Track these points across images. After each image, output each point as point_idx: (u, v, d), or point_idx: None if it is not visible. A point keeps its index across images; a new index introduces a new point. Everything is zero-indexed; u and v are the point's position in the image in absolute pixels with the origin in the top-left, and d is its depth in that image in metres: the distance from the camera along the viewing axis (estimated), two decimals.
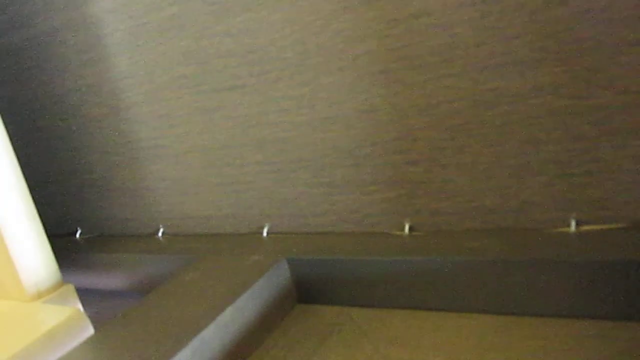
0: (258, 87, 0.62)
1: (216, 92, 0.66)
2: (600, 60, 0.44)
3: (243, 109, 0.64)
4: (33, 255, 0.66)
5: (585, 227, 0.49)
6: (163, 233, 0.80)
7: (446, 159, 0.54)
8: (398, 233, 0.59)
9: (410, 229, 0.58)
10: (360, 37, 0.54)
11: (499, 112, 0.50)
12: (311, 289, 0.58)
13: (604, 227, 0.48)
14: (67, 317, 0.58)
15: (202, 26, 0.63)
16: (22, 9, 0.79)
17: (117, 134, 0.77)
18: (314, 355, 0.48)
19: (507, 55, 0.48)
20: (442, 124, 0.53)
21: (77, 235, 0.91)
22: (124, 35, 0.70)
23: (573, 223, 0.49)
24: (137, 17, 0.68)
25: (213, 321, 0.47)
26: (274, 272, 0.56)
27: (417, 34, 0.51)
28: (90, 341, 0.50)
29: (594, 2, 0.43)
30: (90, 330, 0.59)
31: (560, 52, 0.46)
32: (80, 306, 0.68)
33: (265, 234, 0.69)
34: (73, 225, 0.91)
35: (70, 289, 0.68)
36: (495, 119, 0.50)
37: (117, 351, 0.47)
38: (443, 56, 0.50)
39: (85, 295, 0.73)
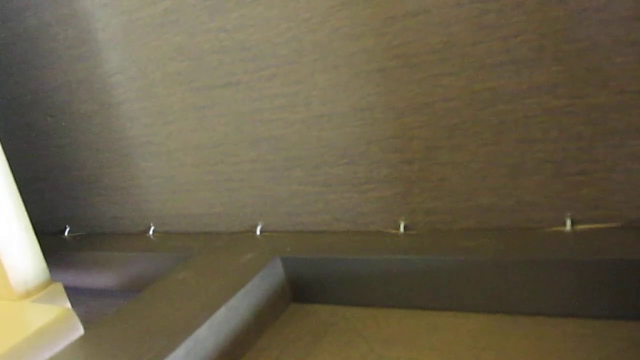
0: (253, 84, 0.62)
1: (210, 89, 0.65)
2: (597, 60, 0.44)
3: (237, 106, 0.64)
4: (21, 253, 0.65)
5: (581, 227, 0.49)
6: (154, 231, 0.79)
7: (442, 158, 0.54)
8: (393, 232, 0.58)
9: (405, 227, 0.58)
10: (357, 35, 0.54)
11: (495, 111, 0.50)
12: (305, 288, 0.57)
13: (599, 226, 0.48)
14: (56, 316, 0.57)
15: (196, 22, 0.62)
16: (12, 3, 0.78)
17: (107, 130, 0.76)
18: (308, 355, 0.48)
19: (504, 55, 0.48)
20: (438, 123, 0.53)
21: (66, 233, 0.89)
22: (115, 31, 0.69)
23: (568, 222, 0.49)
24: (130, 11, 0.67)
25: (207, 320, 0.47)
26: (268, 271, 0.56)
27: (413, 32, 0.51)
28: (80, 341, 0.50)
29: (591, 2, 0.43)
30: (80, 330, 0.58)
31: (557, 51, 0.46)
32: (69, 305, 0.67)
33: (258, 232, 0.68)
34: (62, 223, 0.90)
35: (58, 287, 0.67)
36: (491, 118, 0.50)
37: (108, 351, 0.46)
38: (440, 55, 0.50)
39: (74, 294, 0.72)
